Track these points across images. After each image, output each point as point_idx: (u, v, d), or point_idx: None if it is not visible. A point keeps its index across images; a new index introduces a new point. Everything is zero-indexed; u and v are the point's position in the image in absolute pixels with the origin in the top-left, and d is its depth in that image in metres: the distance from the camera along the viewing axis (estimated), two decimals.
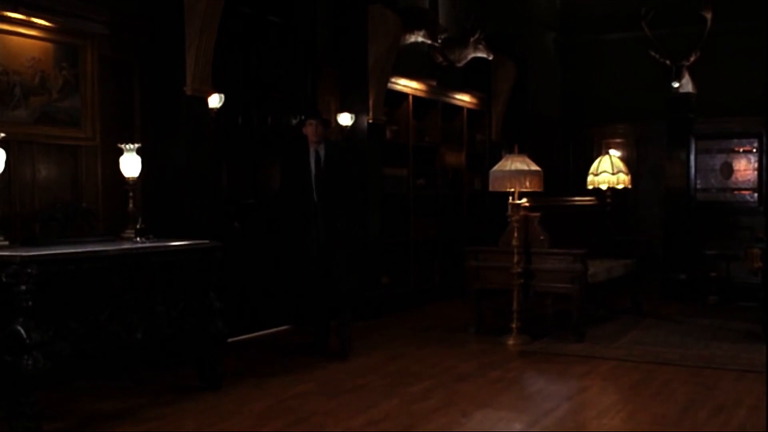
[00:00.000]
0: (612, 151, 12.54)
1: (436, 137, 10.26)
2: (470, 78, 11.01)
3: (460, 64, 10.49)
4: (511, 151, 11.69)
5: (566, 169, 13.67)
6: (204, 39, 6.47)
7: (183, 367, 6.10)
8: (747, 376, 6.24)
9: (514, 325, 7.57)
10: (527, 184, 7.48)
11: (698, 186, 10.92)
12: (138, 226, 5.66)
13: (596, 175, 10.00)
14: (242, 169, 7.79)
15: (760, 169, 10.68)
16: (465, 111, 10.83)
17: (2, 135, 5.01)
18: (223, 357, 5.97)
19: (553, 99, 13.82)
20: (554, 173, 12.52)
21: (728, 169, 10.88)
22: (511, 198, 7.65)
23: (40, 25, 5.71)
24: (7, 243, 5.03)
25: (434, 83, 10.09)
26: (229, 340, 6.44)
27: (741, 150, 10.87)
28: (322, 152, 6.93)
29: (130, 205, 5.83)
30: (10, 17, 5.48)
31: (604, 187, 10.02)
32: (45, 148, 5.79)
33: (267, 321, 7.97)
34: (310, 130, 6.92)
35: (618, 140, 13.56)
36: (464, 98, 10.81)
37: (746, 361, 6.73)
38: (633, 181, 10.39)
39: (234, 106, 7.45)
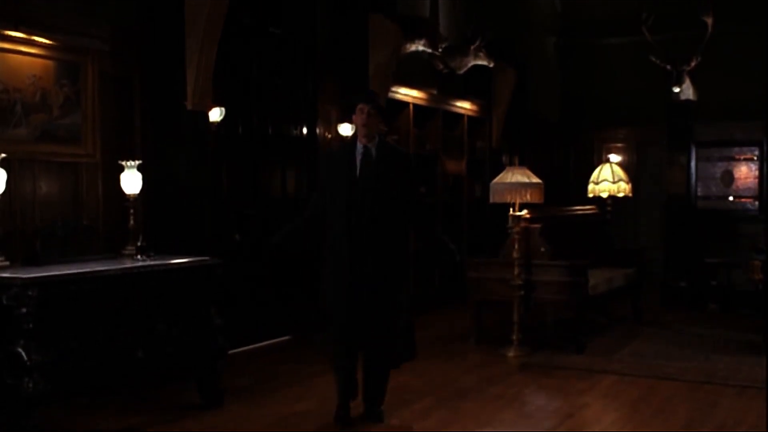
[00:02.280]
0: (612, 156, 12.59)
1: (436, 145, 10.25)
2: (470, 85, 10.98)
3: (461, 72, 10.46)
4: (511, 157, 11.83)
5: (566, 172, 13.68)
6: (205, 53, 6.46)
7: (184, 383, 6.07)
8: (747, 393, 6.24)
9: (514, 337, 7.57)
10: (528, 196, 7.47)
11: (699, 194, 10.92)
12: (139, 244, 5.64)
13: (597, 183, 10.02)
14: (243, 179, 7.78)
15: (760, 177, 10.69)
16: (465, 118, 10.82)
17: (3, 155, 5.01)
18: (224, 372, 5.96)
19: (554, 103, 13.82)
20: (554, 177, 12.54)
21: (729, 177, 10.89)
22: (511, 209, 7.64)
23: (41, 43, 5.70)
24: (8, 263, 5.02)
25: (435, 91, 10.09)
26: (230, 351, 6.44)
27: (742, 158, 10.87)
28: (374, 151, 5.18)
29: (131, 222, 5.83)
30: (10, 36, 5.48)
31: (604, 195, 10.04)
32: (46, 165, 5.78)
33: (268, 331, 7.97)
34: (359, 119, 5.17)
35: (618, 144, 13.56)
36: (465, 105, 10.80)
37: (747, 376, 6.72)
38: (633, 185, 10.41)
39: (234, 115, 7.41)
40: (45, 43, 5.72)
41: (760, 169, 10.73)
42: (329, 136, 8.59)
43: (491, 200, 7.71)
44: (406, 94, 9.51)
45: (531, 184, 7.50)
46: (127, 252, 5.78)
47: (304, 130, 8.42)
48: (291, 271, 8.03)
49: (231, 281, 6.95)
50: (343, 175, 5.17)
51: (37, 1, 5.71)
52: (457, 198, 10.76)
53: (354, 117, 5.24)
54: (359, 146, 5.21)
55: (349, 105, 5.39)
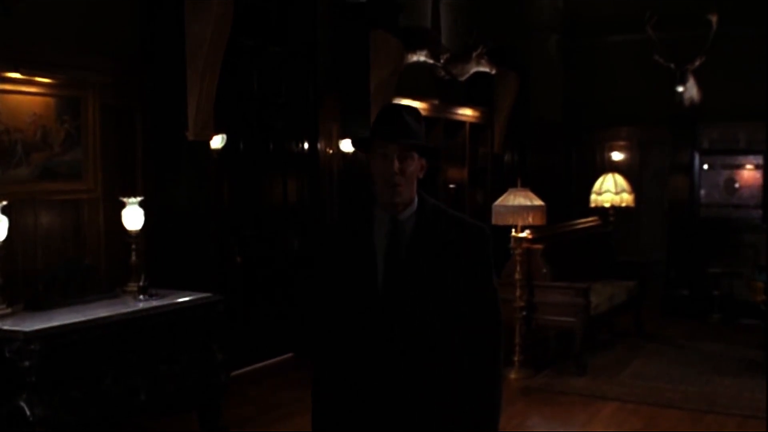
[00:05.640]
0: (614, 154, 12.55)
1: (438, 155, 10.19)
2: (472, 91, 10.91)
3: (463, 79, 10.41)
4: (513, 161, 11.78)
5: (569, 173, 13.61)
6: (206, 82, 6.38)
7: (187, 414, 6.07)
8: (749, 423, 6.28)
9: (516, 359, 7.59)
10: (530, 219, 7.46)
11: (702, 202, 10.87)
12: (141, 283, 5.62)
13: (599, 194, 9.99)
14: (244, 197, 7.74)
15: (765, 186, 10.61)
16: (467, 125, 10.76)
17: (4, 203, 4.97)
18: (227, 400, 5.96)
19: (556, 103, 13.72)
20: (556, 179, 12.52)
21: (732, 185, 10.82)
22: (513, 231, 7.63)
23: (42, 82, 5.65)
24: (9, 311, 4.99)
25: (436, 101, 10.03)
26: (233, 374, 6.44)
27: (746, 166, 10.81)
28: (409, 226, 2.69)
29: (133, 258, 5.82)
30: (11, 78, 5.43)
31: (607, 205, 10.02)
32: (47, 203, 5.74)
33: (270, 351, 7.98)
34: (381, 168, 2.66)
35: (621, 142, 13.47)
36: (466, 112, 10.74)
37: (749, 404, 6.74)
38: (635, 185, 10.37)
39: (236, 133, 7.36)
40: (46, 81, 5.67)
41: (764, 178, 10.64)
42: (330, 151, 8.56)
43: (493, 222, 7.68)
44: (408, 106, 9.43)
45: (533, 207, 7.48)
46: (129, 289, 5.76)
47: (306, 146, 8.37)
48: (293, 289, 8.03)
49: (232, 302, 6.94)
50: (354, 277, 2.70)
51: (37, 40, 5.64)
52: (459, 206, 10.72)
53: (371, 162, 2.71)
54: (380, 217, 2.73)
55: (360, 139, 2.91)
